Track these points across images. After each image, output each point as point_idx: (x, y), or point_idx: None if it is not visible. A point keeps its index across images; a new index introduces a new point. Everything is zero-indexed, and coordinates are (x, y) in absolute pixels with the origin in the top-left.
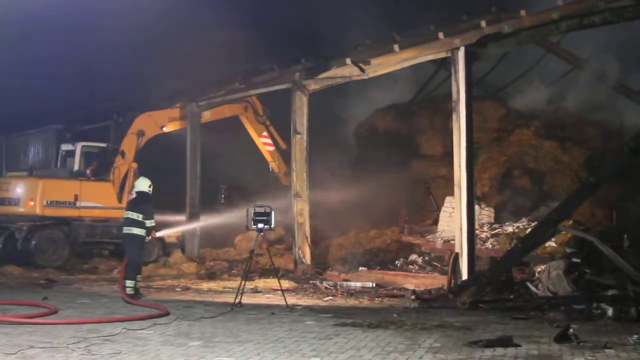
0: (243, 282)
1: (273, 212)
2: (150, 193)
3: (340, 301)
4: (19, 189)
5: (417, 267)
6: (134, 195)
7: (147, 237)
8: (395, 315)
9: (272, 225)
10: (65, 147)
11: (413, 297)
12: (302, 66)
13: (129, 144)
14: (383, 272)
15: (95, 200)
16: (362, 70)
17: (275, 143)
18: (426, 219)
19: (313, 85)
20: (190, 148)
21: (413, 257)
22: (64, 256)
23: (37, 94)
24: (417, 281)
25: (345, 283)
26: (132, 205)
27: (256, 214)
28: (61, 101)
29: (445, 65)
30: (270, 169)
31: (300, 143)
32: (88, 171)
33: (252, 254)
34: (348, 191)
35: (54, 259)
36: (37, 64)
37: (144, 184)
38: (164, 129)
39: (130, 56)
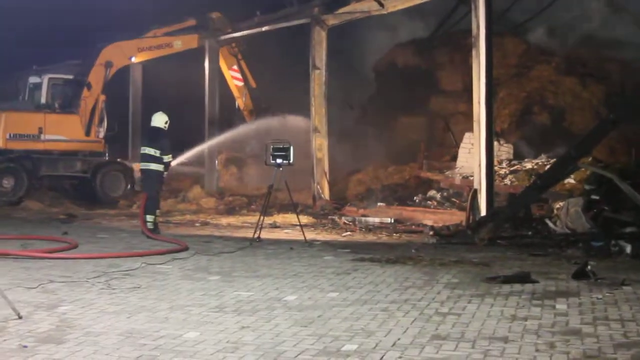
0: (262, 218)
1: (292, 148)
2: (166, 129)
3: (358, 237)
4: None
5: (435, 203)
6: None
7: (164, 172)
8: (413, 251)
9: (292, 161)
10: (33, 79)
11: (431, 233)
12: (320, 1)
13: (96, 76)
14: (401, 208)
15: (61, 133)
16: (381, 4)
17: (244, 79)
18: (445, 155)
19: (332, 20)
20: (209, 82)
21: (431, 193)
22: (22, 190)
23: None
24: (436, 217)
25: (363, 218)
26: (149, 141)
27: (275, 149)
28: (72, 35)
29: (465, 0)
30: (236, 106)
31: (319, 78)
32: (56, 104)
33: (270, 189)
34: (366, 126)
35: (10, 192)
36: None
37: (160, 120)
38: (133, 59)
39: None
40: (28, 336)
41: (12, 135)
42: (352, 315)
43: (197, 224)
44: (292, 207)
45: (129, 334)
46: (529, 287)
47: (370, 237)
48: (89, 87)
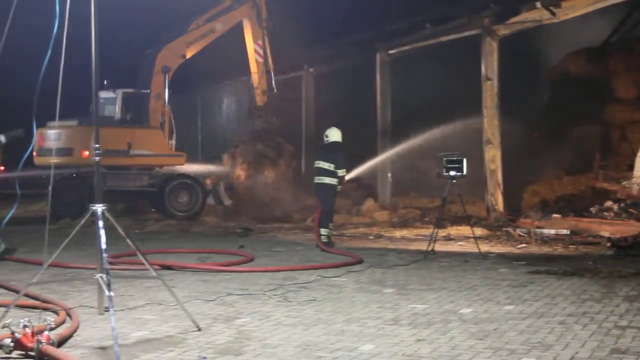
0: (435, 230)
1: (465, 160)
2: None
3: (533, 248)
4: (69, 139)
5: (612, 214)
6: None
7: (339, 186)
8: (590, 262)
9: (465, 173)
10: (105, 94)
11: (609, 244)
12: (491, 11)
13: (159, 85)
14: (577, 219)
15: (147, 147)
16: (553, 13)
17: (265, 57)
18: (621, 164)
19: (503, 31)
20: (380, 94)
21: (608, 203)
22: (83, 204)
23: None
24: (613, 228)
25: (538, 230)
26: (324, 155)
27: (447, 161)
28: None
29: (639, 5)
30: (250, 81)
31: (490, 89)
32: (128, 117)
33: (444, 202)
34: (540, 137)
35: (73, 210)
36: None
37: (337, 134)
38: (185, 56)
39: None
40: (207, 348)
41: (102, 151)
42: (528, 329)
43: (370, 237)
44: (466, 219)
45: (306, 346)
46: None
47: (546, 249)
48: (159, 98)
